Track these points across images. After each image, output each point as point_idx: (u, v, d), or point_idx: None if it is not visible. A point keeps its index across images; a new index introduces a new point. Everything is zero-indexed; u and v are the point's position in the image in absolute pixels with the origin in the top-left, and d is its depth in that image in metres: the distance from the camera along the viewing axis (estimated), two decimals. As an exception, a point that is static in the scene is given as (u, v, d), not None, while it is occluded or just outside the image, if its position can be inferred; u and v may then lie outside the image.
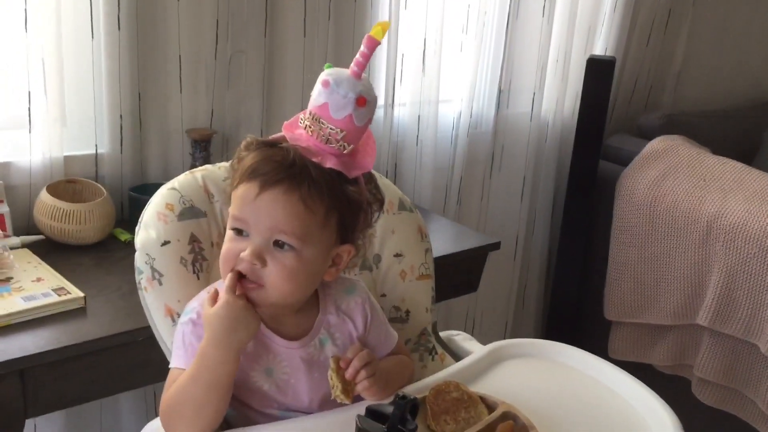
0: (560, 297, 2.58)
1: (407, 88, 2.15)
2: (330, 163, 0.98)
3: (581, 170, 2.45)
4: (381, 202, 1.09)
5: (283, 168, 0.97)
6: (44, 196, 1.57)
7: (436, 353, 1.29)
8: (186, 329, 1.02)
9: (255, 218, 0.97)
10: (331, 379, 0.99)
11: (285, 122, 1.04)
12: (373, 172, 1.09)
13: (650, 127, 2.58)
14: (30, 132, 1.60)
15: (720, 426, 2.25)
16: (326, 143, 0.99)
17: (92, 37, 1.63)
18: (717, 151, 2.41)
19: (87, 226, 1.58)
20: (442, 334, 1.34)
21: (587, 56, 2.41)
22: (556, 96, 2.47)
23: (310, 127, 1.00)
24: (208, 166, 1.22)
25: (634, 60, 2.70)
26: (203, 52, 1.77)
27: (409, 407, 0.76)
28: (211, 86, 1.81)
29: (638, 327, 2.37)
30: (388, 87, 2.08)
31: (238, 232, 0.99)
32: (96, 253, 1.58)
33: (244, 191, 0.98)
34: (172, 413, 0.98)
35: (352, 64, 0.99)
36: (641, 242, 2.31)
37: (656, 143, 2.41)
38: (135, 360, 1.34)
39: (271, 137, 1.04)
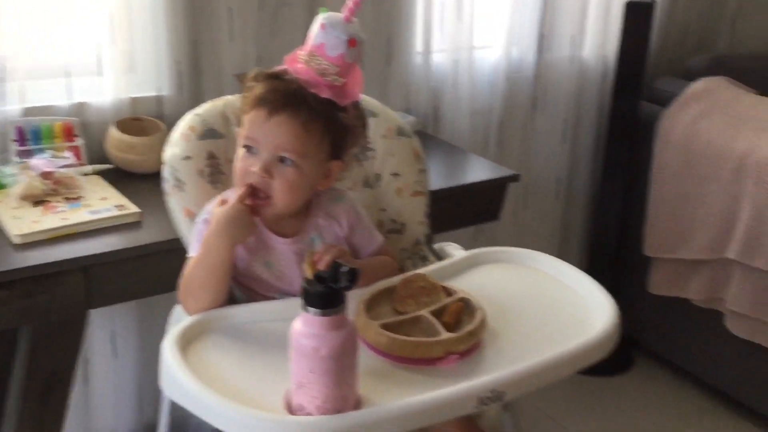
0: (602, 235, 2.68)
1: (446, 34, 2.29)
2: (325, 94, 1.19)
3: (621, 113, 2.52)
4: (365, 126, 1.29)
5: (287, 97, 1.18)
6: (113, 131, 1.84)
7: (428, 260, 1.48)
8: (202, 227, 1.25)
9: (264, 138, 1.19)
10: (304, 270, 1.19)
11: (286, 56, 1.26)
12: (362, 97, 1.30)
13: (697, 69, 2.61)
14: (102, 77, 1.87)
15: (752, 357, 2.32)
16: (322, 77, 1.20)
17: (153, -7, 1.88)
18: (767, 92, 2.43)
19: (149, 157, 1.83)
20: (436, 245, 1.52)
21: (630, -1, 2.47)
22: (597, 40, 2.55)
23: (308, 63, 1.21)
24: (228, 97, 1.44)
25: (684, 2, 2.73)
26: (250, 4, 1.99)
27: (346, 271, 0.94)
28: (258, 35, 2.02)
29: (675, 262, 2.45)
30: (426, 34, 2.24)
31: (248, 149, 1.21)
32: (156, 181, 1.80)
33: (254, 116, 1.20)
34: (185, 290, 1.22)
35: (344, 10, 1.20)
36: (678, 180, 2.38)
37: (698, 85, 2.46)
38: (180, 264, 1.59)
39: (274, 69, 1.26)
